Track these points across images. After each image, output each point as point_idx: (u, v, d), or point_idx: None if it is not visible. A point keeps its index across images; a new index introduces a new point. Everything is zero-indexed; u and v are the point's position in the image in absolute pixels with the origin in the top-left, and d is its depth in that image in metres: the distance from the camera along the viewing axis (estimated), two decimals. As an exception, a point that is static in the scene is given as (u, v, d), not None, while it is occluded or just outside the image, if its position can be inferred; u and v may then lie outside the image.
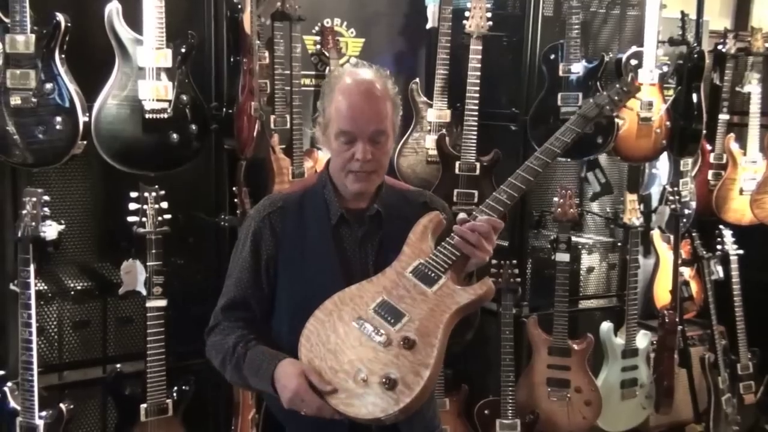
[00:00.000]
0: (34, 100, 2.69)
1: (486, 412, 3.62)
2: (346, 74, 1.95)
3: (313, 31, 3.68)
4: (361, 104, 1.89)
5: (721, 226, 4.29)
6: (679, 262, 4.08)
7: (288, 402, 1.82)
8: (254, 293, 2.00)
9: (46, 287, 3.00)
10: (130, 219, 2.82)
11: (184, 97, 2.90)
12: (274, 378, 1.85)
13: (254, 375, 1.92)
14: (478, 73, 3.50)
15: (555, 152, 1.96)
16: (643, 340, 3.93)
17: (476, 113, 3.52)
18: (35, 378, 2.70)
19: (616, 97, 2.03)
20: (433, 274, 1.84)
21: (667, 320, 3.94)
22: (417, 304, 1.82)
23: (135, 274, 2.96)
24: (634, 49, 3.81)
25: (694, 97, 3.93)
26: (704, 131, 4.07)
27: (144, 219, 2.82)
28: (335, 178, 1.98)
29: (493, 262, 3.52)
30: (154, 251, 2.84)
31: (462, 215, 1.90)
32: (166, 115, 2.86)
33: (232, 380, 2.03)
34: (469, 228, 1.84)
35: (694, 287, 4.30)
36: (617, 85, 2.04)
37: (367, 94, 1.90)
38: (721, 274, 4.22)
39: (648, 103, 3.76)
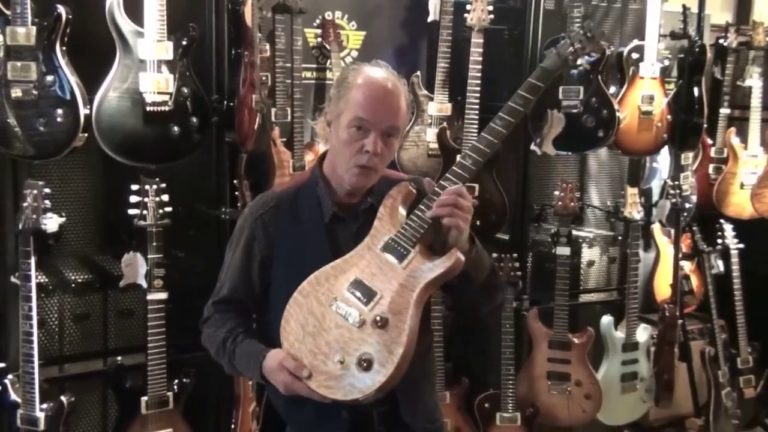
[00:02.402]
0: (35, 92, 2.69)
1: (486, 405, 3.63)
2: (366, 68, 1.95)
3: (314, 24, 3.67)
4: (382, 97, 1.89)
5: (721, 220, 4.30)
6: (680, 256, 4.08)
7: (285, 393, 1.85)
8: (246, 292, 2.03)
9: (46, 280, 3.00)
10: (131, 211, 2.82)
11: (185, 90, 2.90)
12: (264, 376, 1.90)
13: (247, 372, 2.00)
14: (480, 67, 3.49)
15: (519, 111, 1.83)
16: (643, 333, 3.93)
17: (477, 106, 3.51)
18: (36, 370, 2.70)
19: (578, 45, 1.82)
20: (402, 249, 1.83)
21: (667, 314, 3.94)
22: (388, 281, 1.82)
23: (136, 267, 2.96)
24: (635, 42, 3.81)
25: (696, 91, 3.92)
26: (705, 125, 4.07)
27: (145, 212, 2.82)
28: (338, 169, 1.96)
29: (494, 255, 3.52)
30: (154, 244, 2.85)
31: (427, 179, 1.90)
32: (167, 108, 2.85)
33: (229, 372, 2.09)
34: (437, 203, 1.81)
35: (694, 281, 4.31)
36: (580, 31, 1.84)
37: (387, 89, 1.91)
38: (722, 268, 4.23)
39: (649, 97, 3.76)
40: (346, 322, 1.80)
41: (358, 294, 1.82)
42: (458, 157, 1.86)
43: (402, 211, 1.90)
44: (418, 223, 1.83)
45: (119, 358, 3.00)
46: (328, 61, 3.67)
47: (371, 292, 1.81)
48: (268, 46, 3.35)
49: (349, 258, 1.88)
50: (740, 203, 4.35)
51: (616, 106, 3.67)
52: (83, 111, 2.75)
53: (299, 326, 1.83)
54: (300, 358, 1.80)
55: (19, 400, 2.72)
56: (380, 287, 1.81)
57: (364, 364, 1.74)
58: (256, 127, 3.15)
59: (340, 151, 1.93)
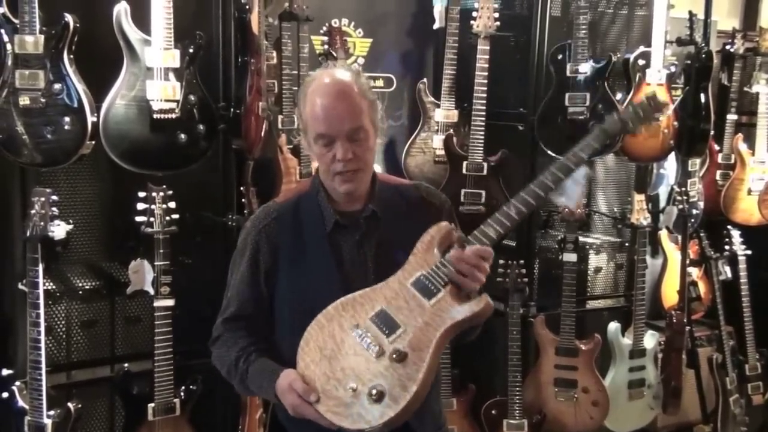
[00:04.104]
0: (42, 100, 2.70)
1: (493, 412, 3.62)
2: (317, 77, 1.94)
3: (321, 32, 3.67)
4: (334, 104, 1.87)
5: (729, 227, 4.29)
6: (687, 262, 4.06)
7: (293, 415, 1.85)
8: (255, 306, 2.02)
9: (54, 287, 3.01)
10: (138, 219, 2.83)
11: (192, 98, 2.91)
12: (278, 396, 1.88)
13: (260, 392, 1.98)
14: (486, 73, 3.50)
15: (570, 168, 1.88)
16: (650, 340, 3.92)
17: (484, 113, 3.52)
18: (43, 377, 2.71)
19: (641, 113, 1.96)
20: (432, 287, 1.83)
21: (674, 320, 3.92)
22: (414, 316, 1.81)
23: (143, 274, 2.97)
24: (641, 49, 3.80)
25: (702, 97, 3.90)
26: (712, 131, 4.05)
27: (152, 219, 2.83)
28: (324, 182, 1.98)
29: (500, 261, 3.52)
30: (161, 251, 2.85)
31: (457, 234, 1.89)
32: (174, 116, 2.86)
33: (240, 392, 2.08)
34: (456, 257, 1.82)
35: (701, 288, 4.29)
36: (644, 101, 1.95)
37: (338, 93, 1.89)
38: (729, 275, 4.22)
39: (656, 103, 3.75)
40: (364, 351, 1.79)
41: (381, 325, 1.81)
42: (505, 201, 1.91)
43: (437, 251, 1.88)
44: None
45: (126, 364, 3.01)
46: (335, 69, 3.68)
47: (394, 325, 1.80)
48: (274, 54, 3.37)
49: (378, 288, 1.87)
50: (748, 209, 4.34)
51: (637, 131, 3.66)
52: (90, 118, 2.76)
53: (317, 348, 1.82)
54: (312, 380, 1.79)
55: (26, 406, 2.72)
56: (404, 321, 1.81)
57: (375, 396, 1.73)
58: (262, 134, 3.15)
59: (319, 163, 1.95)
